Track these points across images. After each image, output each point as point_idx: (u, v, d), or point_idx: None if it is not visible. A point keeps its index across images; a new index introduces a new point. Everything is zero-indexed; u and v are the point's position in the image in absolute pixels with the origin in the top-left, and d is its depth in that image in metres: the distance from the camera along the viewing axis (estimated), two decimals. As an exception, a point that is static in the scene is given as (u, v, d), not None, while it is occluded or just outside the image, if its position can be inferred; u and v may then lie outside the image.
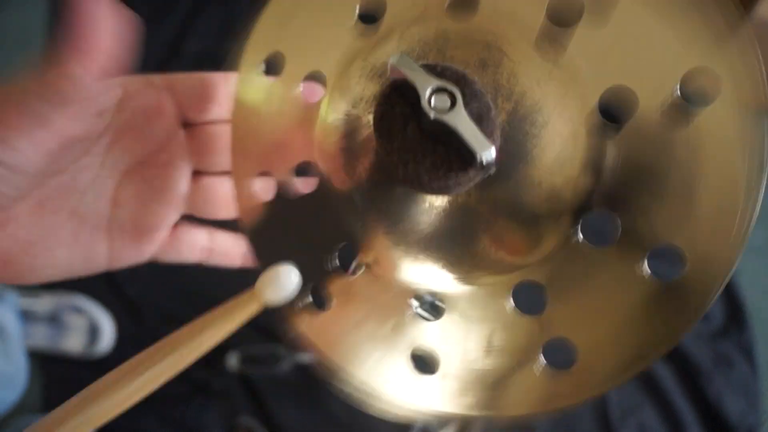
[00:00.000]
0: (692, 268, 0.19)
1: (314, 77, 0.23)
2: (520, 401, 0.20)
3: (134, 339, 0.96)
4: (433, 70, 0.19)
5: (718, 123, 0.18)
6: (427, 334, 0.21)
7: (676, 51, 0.19)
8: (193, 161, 0.28)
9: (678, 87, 0.19)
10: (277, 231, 0.24)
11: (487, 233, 0.20)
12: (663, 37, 0.19)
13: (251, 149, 0.24)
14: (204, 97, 0.26)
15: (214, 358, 0.95)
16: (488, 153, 0.18)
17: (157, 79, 0.26)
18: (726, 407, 0.95)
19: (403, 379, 0.21)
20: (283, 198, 0.24)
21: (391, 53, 0.21)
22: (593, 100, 0.20)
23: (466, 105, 0.18)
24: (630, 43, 0.20)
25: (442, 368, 0.21)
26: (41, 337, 0.89)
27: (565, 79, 0.20)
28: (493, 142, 0.18)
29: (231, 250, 0.30)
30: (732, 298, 1.00)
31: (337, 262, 0.23)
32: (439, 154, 0.18)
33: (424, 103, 0.18)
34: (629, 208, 0.20)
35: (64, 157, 0.23)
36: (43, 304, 0.93)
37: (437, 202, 0.20)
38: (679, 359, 0.97)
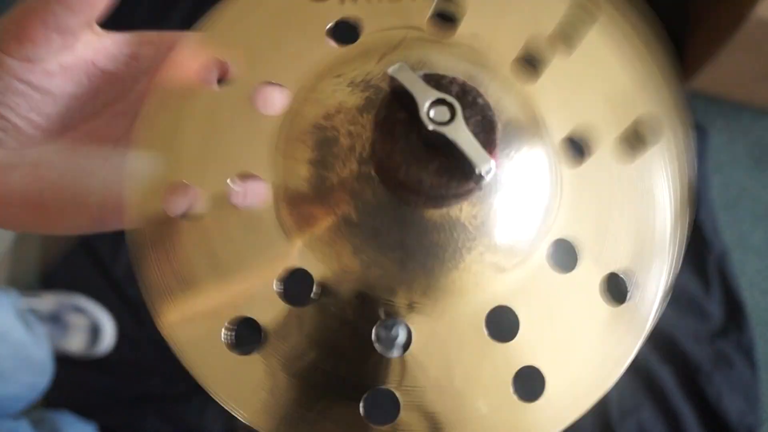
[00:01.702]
0: (634, 291, 0.20)
1: (271, 89, 0.22)
2: None
3: (135, 339, 0.96)
4: (433, 80, 0.18)
5: (656, 161, 0.22)
6: (390, 371, 0.20)
7: (625, 100, 0.22)
8: None
9: (623, 134, 0.22)
10: (194, 253, 0.20)
11: (471, 251, 0.20)
12: (615, 85, 0.22)
13: (177, 153, 0.21)
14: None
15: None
16: (488, 167, 0.17)
17: (196, 35, 0.26)
18: (726, 407, 0.95)
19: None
20: (212, 212, 0.20)
21: (372, 71, 0.21)
22: (559, 137, 0.22)
23: (467, 118, 0.18)
24: (588, 89, 0.22)
25: (403, 412, 0.19)
26: (47, 337, 0.89)
27: (537, 116, 0.21)
28: (495, 155, 0.18)
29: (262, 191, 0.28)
30: (732, 298, 1.00)
31: (281, 291, 0.20)
32: (443, 162, 0.18)
33: (422, 114, 0.17)
34: (587, 235, 0.21)
35: (95, 94, 0.23)
36: (45, 303, 0.93)
37: (424, 215, 0.20)
38: (679, 359, 0.97)
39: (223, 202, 0.20)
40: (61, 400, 0.91)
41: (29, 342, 0.69)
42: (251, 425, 0.19)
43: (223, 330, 0.19)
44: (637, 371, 0.96)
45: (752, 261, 1.03)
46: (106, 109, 0.25)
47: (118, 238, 1.00)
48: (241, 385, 0.19)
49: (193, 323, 0.20)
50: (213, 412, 0.94)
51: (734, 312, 1.00)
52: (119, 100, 0.25)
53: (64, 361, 0.91)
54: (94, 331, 0.93)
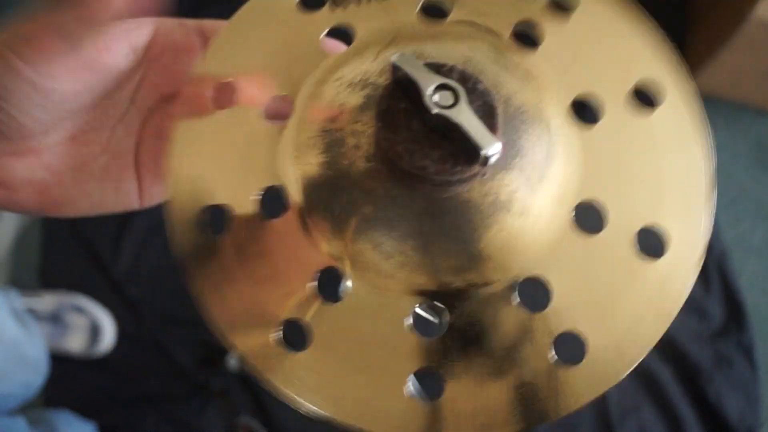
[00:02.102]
0: (672, 247, 0.21)
1: (277, 101, 0.23)
2: (542, 409, 0.19)
3: (135, 339, 0.96)
4: (436, 68, 0.19)
5: (670, 119, 0.22)
6: (429, 352, 0.20)
7: (627, 62, 0.22)
8: None
9: (631, 92, 0.22)
10: (232, 266, 0.21)
11: (488, 228, 0.20)
12: (615, 48, 0.23)
13: (205, 175, 0.22)
14: None
15: (214, 358, 0.95)
16: (493, 148, 0.18)
17: (189, 21, 0.27)
18: (726, 407, 0.95)
19: (401, 413, 0.20)
20: (241, 228, 0.22)
21: (369, 70, 0.21)
22: (566, 103, 0.22)
23: (470, 102, 0.18)
24: (589, 53, 0.23)
25: (449, 389, 0.20)
26: (43, 336, 0.89)
27: (539, 86, 0.22)
28: (498, 137, 0.18)
29: None
30: (732, 298, 1.00)
31: (316, 289, 0.21)
32: (446, 148, 0.18)
33: (426, 99, 0.18)
34: (610, 194, 0.21)
35: (97, 89, 0.24)
36: (45, 303, 0.93)
37: (436, 201, 0.20)
38: (679, 359, 0.97)
39: (251, 218, 0.22)
40: (60, 399, 0.91)
41: (23, 340, 0.70)
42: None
43: (272, 333, 0.21)
44: (637, 371, 0.95)
45: (752, 261, 1.04)
46: (103, 99, 0.25)
47: (118, 237, 1.00)
48: (298, 380, 0.20)
49: (245, 331, 0.21)
50: (213, 412, 0.94)
51: (734, 312, 1.00)
52: (116, 91, 0.26)
53: (63, 361, 0.91)
54: (94, 331, 0.93)
